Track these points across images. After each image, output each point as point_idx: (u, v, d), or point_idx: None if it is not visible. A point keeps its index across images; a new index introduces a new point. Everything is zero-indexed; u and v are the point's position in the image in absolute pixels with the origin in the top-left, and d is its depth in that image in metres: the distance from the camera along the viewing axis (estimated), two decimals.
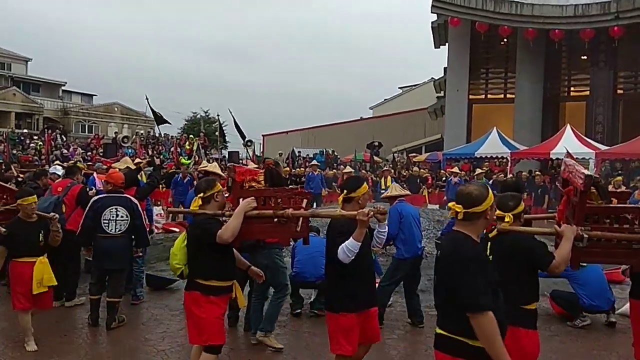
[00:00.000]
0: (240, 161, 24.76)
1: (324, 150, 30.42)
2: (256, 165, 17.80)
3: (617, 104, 23.82)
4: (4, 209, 5.56)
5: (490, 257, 3.58)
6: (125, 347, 5.52)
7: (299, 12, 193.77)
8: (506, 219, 3.63)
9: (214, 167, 7.51)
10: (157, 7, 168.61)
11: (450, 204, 3.13)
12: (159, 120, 20.68)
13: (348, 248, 3.83)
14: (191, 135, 26.09)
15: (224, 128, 40.18)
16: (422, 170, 21.24)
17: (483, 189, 2.97)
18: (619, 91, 24.07)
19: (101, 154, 22.36)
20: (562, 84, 25.61)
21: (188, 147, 22.75)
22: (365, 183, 4.24)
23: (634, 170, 16.73)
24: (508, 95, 25.94)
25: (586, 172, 3.69)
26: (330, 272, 4.10)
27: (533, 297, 3.69)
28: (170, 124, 22.87)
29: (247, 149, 23.91)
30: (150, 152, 24.16)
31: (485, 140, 20.91)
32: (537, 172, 18.81)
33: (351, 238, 3.83)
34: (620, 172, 16.87)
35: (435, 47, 28.78)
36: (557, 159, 18.70)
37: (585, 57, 24.09)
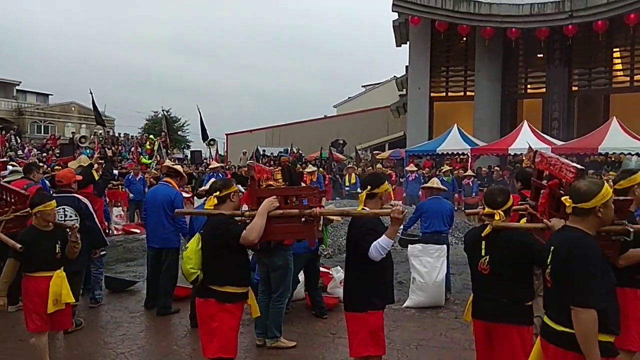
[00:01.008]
0: (204, 161, 24.50)
1: (289, 149, 30.36)
2: (219, 164, 17.74)
3: (572, 101, 24.52)
4: (14, 216, 4.91)
5: (487, 256, 3.56)
6: (84, 351, 5.38)
7: (260, 12, 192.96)
8: (496, 217, 3.55)
9: (177, 167, 7.38)
10: (114, 5, 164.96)
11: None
12: (97, 119, 19.94)
13: (382, 246, 3.75)
14: (151, 136, 25.65)
15: (185, 128, 39.54)
16: (384, 168, 21.43)
17: (594, 185, 2.95)
18: (574, 88, 24.79)
19: (57, 155, 21.75)
20: (520, 82, 26.22)
21: (149, 147, 22.34)
22: (386, 179, 4.19)
23: (589, 165, 17.27)
24: (468, 93, 26.39)
25: (577, 165, 3.68)
26: (356, 270, 3.96)
27: (531, 294, 3.66)
28: (104, 126, 22.05)
29: (209, 148, 23.64)
30: (110, 152, 23.60)
31: (446, 137, 21.22)
32: (496, 167, 19.25)
33: (384, 236, 3.76)
34: None
35: (396, 46, 29.04)
36: (515, 154, 19.17)
37: (541, 55, 24.72)
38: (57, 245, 4.63)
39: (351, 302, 3.99)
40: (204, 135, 22.59)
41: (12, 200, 5.02)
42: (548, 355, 3.00)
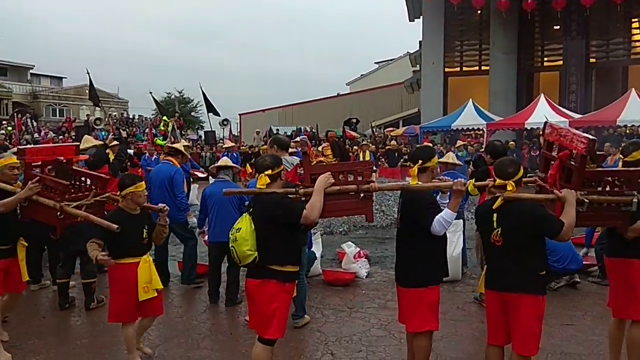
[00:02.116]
0: (220, 140, 24.59)
1: (302, 128, 30.27)
2: (233, 144, 17.80)
3: (590, 73, 24.04)
4: (94, 200, 4.62)
5: (499, 228, 3.56)
6: (106, 327, 5.46)
7: None
8: (508, 187, 3.55)
9: (179, 145, 7.45)
10: None
11: None
12: (92, 98, 20.06)
13: (445, 219, 3.69)
14: (164, 117, 25.81)
15: (199, 108, 39.59)
16: (398, 144, 21.34)
17: None
18: (592, 60, 24.27)
19: (73, 137, 21.96)
20: (536, 55, 25.73)
21: (163, 128, 22.48)
22: (436, 153, 4.12)
23: (607, 137, 17.01)
24: (483, 67, 26.00)
25: (589, 136, 3.64)
26: (415, 245, 3.88)
27: (545, 264, 3.69)
28: (98, 105, 22.03)
29: (223, 128, 23.71)
30: (125, 133, 23.84)
31: (461, 112, 21.03)
32: (511, 142, 19.06)
33: (447, 209, 3.71)
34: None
35: (409, 21, 28.67)
36: (532, 128, 18.92)
37: (557, 27, 24.22)
38: (145, 230, 4.41)
39: (410, 278, 3.91)
40: (210, 108, 22.66)
41: (92, 184, 4.80)
42: None
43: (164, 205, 4.58)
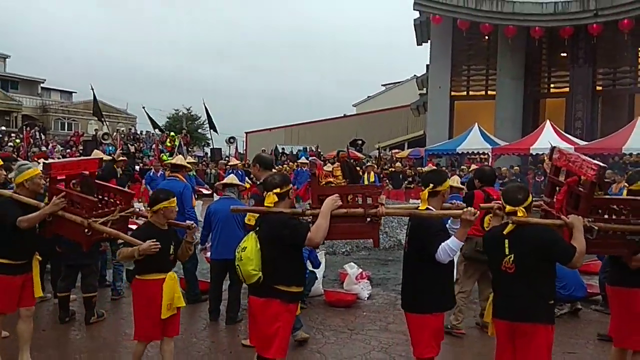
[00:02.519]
0: (226, 158, 24.71)
1: (307, 147, 30.40)
2: (238, 162, 17.93)
3: (596, 100, 24.13)
4: (119, 216, 4.45)
5: (512, 255, 3.52)
6: (105, 342, 5.48)
7: (279, 14, 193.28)
8: (519, 214, 3.51)
9: (180, 160, 7.48)
10: (133, 7, 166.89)
11: None
12: (96, 112, 20.23)
13: (451, 248, 3.62)
14: (172, 133, 25.98)
15: (205, 126, 40.04)
16: (404, 167, 21.37)
17: None
18: (598, 88, 24.38)
19: (81, 152, 22.13)
20: (543, 81, 25.88)
21: (169, 144, 22.62)
22: (447, 176, 4.07)
23: (612, 165, 16.98)
24: (489, 92, 26.15)
25: (600, 163, 3.64)
26: (422, 272, 3.83)
27: (554, 292, 3.64)
28: (101, 119, 21.99)
29: (229, 146, 23.87)
30: (132, 148, 24.05)
31: (467, 136, 21.09)
32: (516, 168, 19.06)
33: (453, 238, 3.65)
34: None
35: (417, 45, 28.93)
36: (537, 154, 18.93)
37: (564, 54, 24.38)
38: (171, 246, 4.29)
39: (415, 304, 3.88)
40: (211, 125, 22.88)
41: (116, 199, 4.63)
42: None
43: (192, 222, 4.50)
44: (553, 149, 4.28)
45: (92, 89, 18.76)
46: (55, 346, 5.44)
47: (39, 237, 4.61)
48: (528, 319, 3.46)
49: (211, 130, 23.97)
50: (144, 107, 18.41)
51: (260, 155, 6.00)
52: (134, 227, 4.82)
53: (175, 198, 4.37)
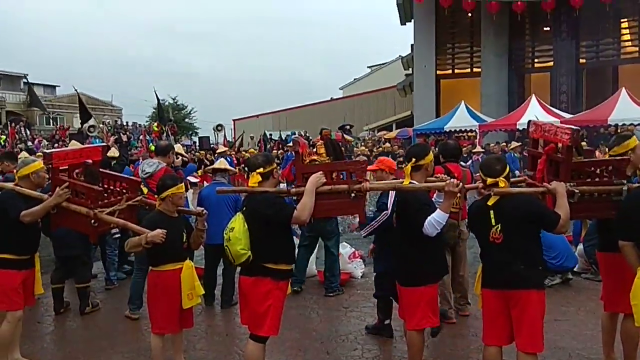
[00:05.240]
0: (212, 145, 24.58)
1: (296, 132, 30.30)
2: (226, 148, 17.82)
3: (581, 73, 24.15)
4: (127, 205, 4.27)
5: (498, 225, 3.53)
6: (101, 331, 5.47)
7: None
8: (501, 184, 3.55)
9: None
10: None
11: None
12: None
13: (437, 221, 3.64)
14: (155, 123, 25.62)
15: (192, 115, 39.75)
16: (392, 147, 21.36)
17: None
18: (582, 61, 24.38)
19: (67, 146, 21.88)
20: (527, 56, 25.83)
21: (156, 129, 22.24)
22: (431, 149, 4.05)
23: (598, 137, 17.10)
24: (474, 69, 26.10)
25: (572, 126, 3.67)
26: (411, 245, 3.86)
27: (542, 259, 3.67)
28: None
29: (217, 134, 23.72)
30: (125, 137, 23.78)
31: (453, 114, 21.07)
32: (504, 143, 19.11)
33: (439, 210, 3.66)
34: (585, 138, 17.25)
35: (401, 24, 28.76)
36: (524, 129, 18.99)
37: (548, 29, 24.32)
38: (184, 234, 4.14)
39: (408, 278, 3.91)
40: (161, 117, 22.41)
41: (123, 188, 4.47)
42: None
43: (202, 209, 4.39)
44: (528, 123, 4.33)
45: (76, 90, 18.26)
46: (50, 337, 5.42)
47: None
48: (522, 285, 3.49)
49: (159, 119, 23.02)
50: (75, 89, 17.40)
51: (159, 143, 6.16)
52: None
53: (183, 184, 4.25)
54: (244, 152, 19.42)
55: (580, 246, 7.19)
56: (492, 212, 3.58)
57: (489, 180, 3.60)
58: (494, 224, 3.57)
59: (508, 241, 3.53)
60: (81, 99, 17.99)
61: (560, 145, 3.78)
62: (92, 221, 4.10)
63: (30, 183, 4.33)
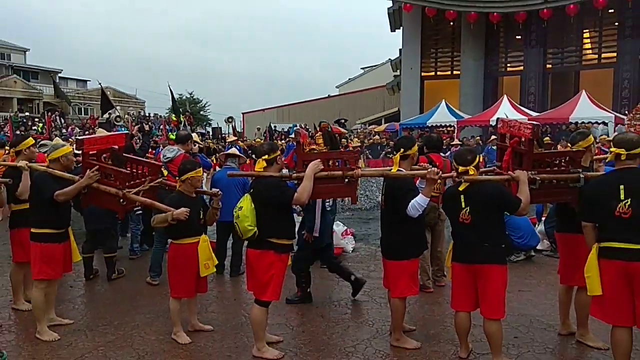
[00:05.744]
0: (222, 135, 24.47)
1: (298, 125, 30.16)
2: (236, 138, 17.73)
3: (547, 77, 24.08)
4: (149, 186, 4.30)
5: (467, 207, 3.56)
6: (126, 295, 5.49)
7: (269, 5, 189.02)
8: (470, 172, 3.58)
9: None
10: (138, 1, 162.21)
11: (612, 149, 3.35)
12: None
13: (419, 204, 3.68)
14: (173, 115, 25.38)
15: (207, 108, 39.40)
16: (381, 139, 21.31)
17: (636, 137, 3.33)
18: (548, 66, 24.26)
19: (95, 133, 21.72)
20: (500, 61, 25.65)
21: (174, 118, 22.03)
22: (416, 141, 4.09)
23: (560, 133, 17.10)
24: (454, 72, 25.92)
25: (533, 122, 3.70)
26: (396, 224, 3.89)
27: (505, 238, 3.74)
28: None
29: (228, 125, 23.59)
30: (147, 127, 23.55)
31: (435, 111, 21.02)
32: (477, 137, 19.10)
33: (421, 195, 3.70)
34: (549, 134, 17.24)
35: (391, 31, 28.51)
36: (496, 125, 18.96)
37: (519, 37, 24.16)
38: (200, 211, 4.20)
39: (393, 252, 3.95)
40: (175, 110, 22.01)
41: (145, 171, 4.47)
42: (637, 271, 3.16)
43: (218, 190, 4.40)
44: (497, 120, 4.35)
45: (100, 84, 18.01)
46: (81, 299, 5.44)
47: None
48: (486, 261, 3.54)
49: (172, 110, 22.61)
50: (99, 83, 17.12)
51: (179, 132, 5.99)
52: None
53: (201, 168, 4.29)
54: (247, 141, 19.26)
55: (541, 226, 7.24)
56: (462, 196, 3.60)
57: (461, 169, 3.62)
58: (463, 206, 3.60)
59: (475, 222, 3.56)
60: (104, 91, 17.71)
61: (523, 138, 3.79)
62: (121, 200, 4.10)
63: (60, 165, 4.30)
